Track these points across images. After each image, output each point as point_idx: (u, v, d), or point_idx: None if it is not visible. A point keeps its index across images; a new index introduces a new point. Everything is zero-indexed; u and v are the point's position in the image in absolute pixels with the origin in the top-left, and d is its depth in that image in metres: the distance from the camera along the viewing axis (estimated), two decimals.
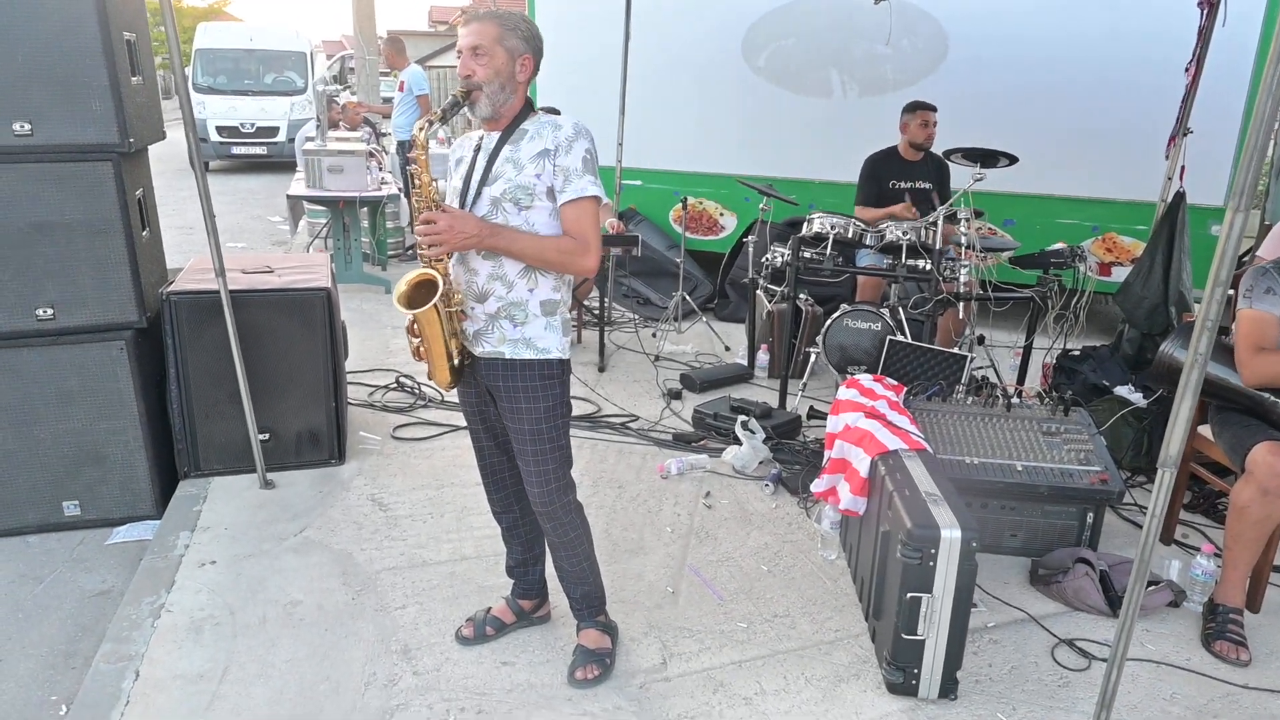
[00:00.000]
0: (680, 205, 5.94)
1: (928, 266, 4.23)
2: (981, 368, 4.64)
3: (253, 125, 14.15)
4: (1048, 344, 4.70)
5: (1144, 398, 3.90)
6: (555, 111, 2.36)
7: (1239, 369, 2.75)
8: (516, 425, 2.31)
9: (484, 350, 2.28)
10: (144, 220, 3.39)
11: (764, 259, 4.82)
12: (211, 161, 14.12)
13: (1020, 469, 3.13)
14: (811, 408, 4.48)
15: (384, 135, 9.57)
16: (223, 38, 15.43)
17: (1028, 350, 4.54)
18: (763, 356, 5.12)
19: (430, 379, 2.34)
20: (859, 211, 4.90)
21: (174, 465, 3.56)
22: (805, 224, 4.57)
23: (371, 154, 6.89)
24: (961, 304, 4.30)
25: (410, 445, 3.99)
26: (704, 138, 6.54)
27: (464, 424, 2.69)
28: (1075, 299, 4.39)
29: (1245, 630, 2.70)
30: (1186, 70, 4.65)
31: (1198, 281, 4.50)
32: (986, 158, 4.19)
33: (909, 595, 2.33)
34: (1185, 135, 4.73)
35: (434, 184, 2.16)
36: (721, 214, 6.69)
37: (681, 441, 4.11)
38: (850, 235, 4.47)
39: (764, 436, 3.89)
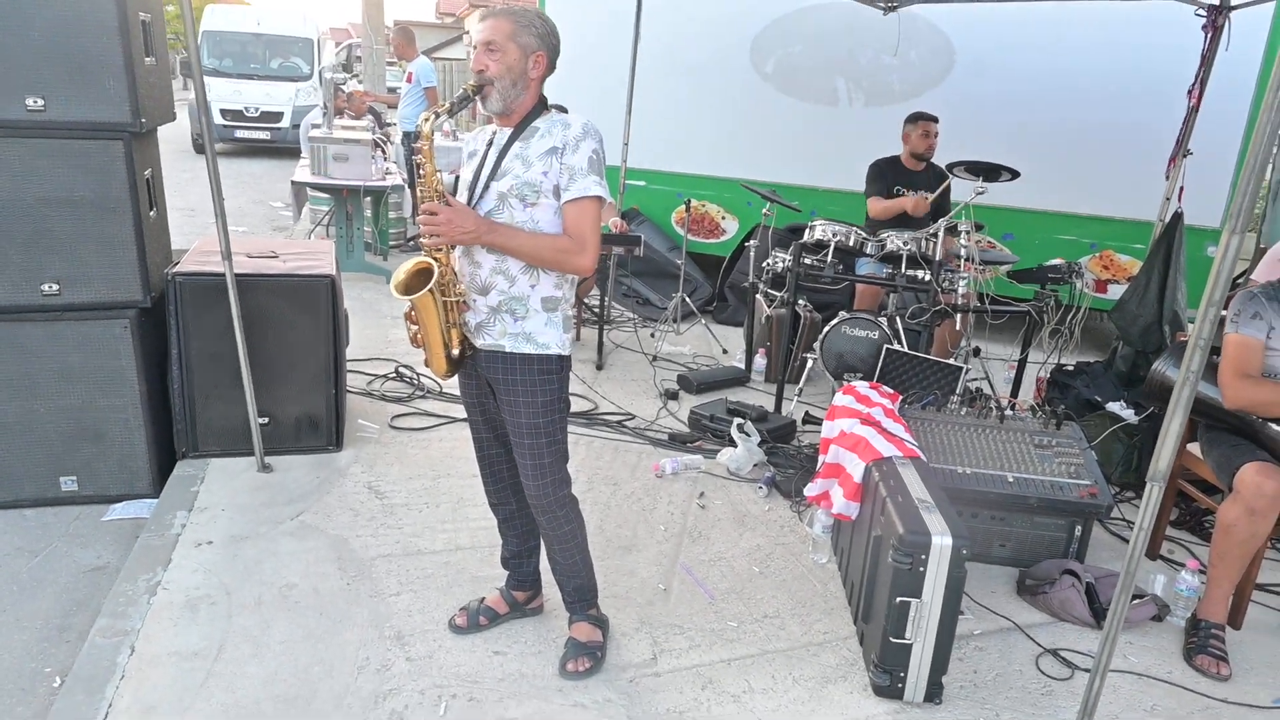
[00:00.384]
0: (683, 207, 5.97)
1: (927, 277, 4.27)
2: (976, 379, 4.69)
3: (257, 110, 14.14)
4: (1042, 358, 4.75)
5: (1135, 414, 3.96)
6: (563, 109, 2.38)
7: (1221, 391, 2.80)
8: (514, 419, 2.34)
9: (485, 342, 2.30)
10: (151, 200, 3.41)
11: (765, 264, 4.86)
12: (215, 144, 14.09)
13: (1011, 480, 3.17)
14: (807, 413, 4.52)
15: (388, 125, 9.58)
16: (230, 21, 15.41)
17: (1022, 364, 4.59)
18: (760, 360, 5.15)
19: (427, 366, 2.36)
20: (872, 204, 4.95)
21: (172, 445, 3.57)
22: (807, 230, 4.61)
23: (376, 144, 6.91)
24: (959, 315, 4.34)
25: (408, 435, 4.01)
26: (709, 141, 6.57)
27: (462, 416, 2.72)
28: (1071, 315, 4.44)
29: (1226, 646, 2.75)
30: (1189, 93, 4.71)
31: (1192, 301, 4.55)
32: (988, 172, 4.23)
33: (898, 599, 2.36)
34: (1185, 156, 4.79)
35: (438, 175, 2.19)
36: (724, 217, 6.72)
37: (677, 441, 4.15)
38: (851, 244, 4.51)
39: (759, 439, 3.93)
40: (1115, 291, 5.61)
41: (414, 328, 2.30)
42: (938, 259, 4.27)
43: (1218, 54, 4.56)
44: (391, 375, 4.68)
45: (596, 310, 5.76)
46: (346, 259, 6.51)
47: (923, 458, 2.87)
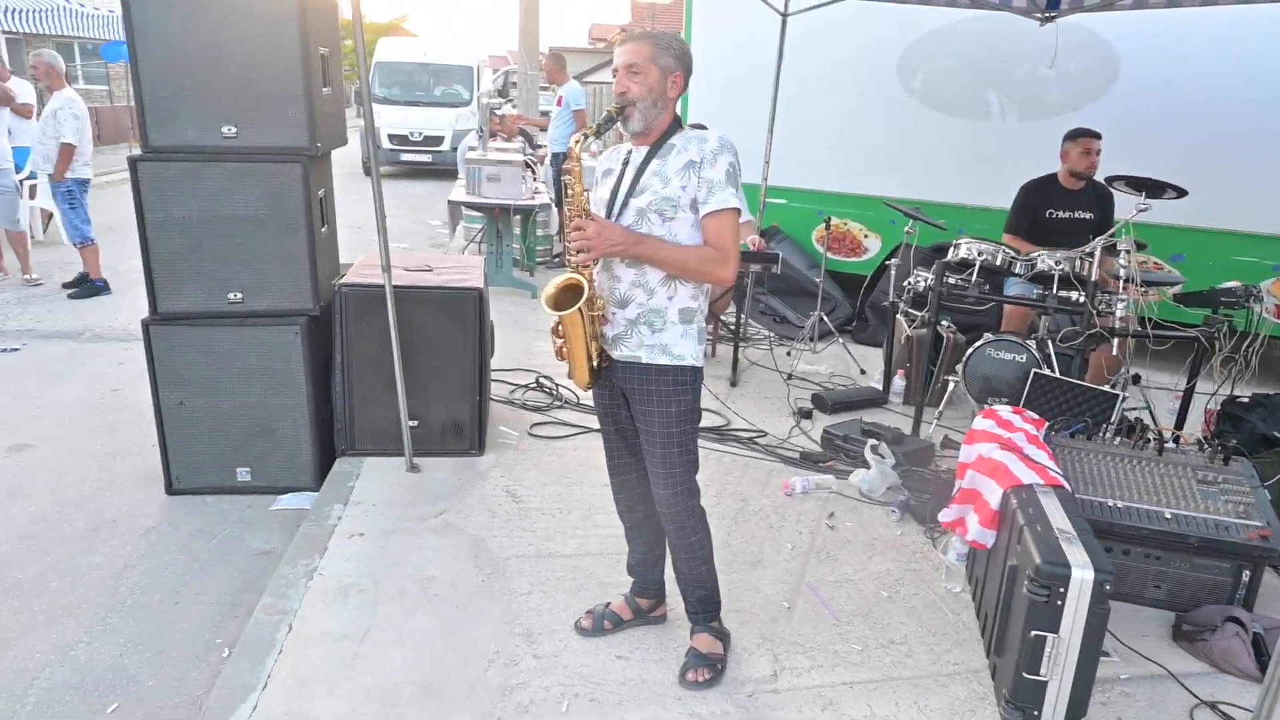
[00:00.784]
0: (823, 225, 5.92)
1: (1081, 299, 4.05)
2: (1135, 408, 4.39)
3: (420, 134, 15.07)
4: (1212, 388, 4.39)
5: None
6: (702, 128, 2.44)
7: None
8: (648, 427, 2.40)
9: (621, 353, 2.38)
10: (324, 218, 3.72)
11: (906, 283, 4.74)
12: (382, 167, 15.13)
13: (1169, 516, 2.96)
14: (946, 437, 4.37)
15: (539, 147, 9.98)
16: (400, 52, 16.58)
17: (1189, 393, 4.25)
18: (898, 382, 5.02)
19: (569, 378, 2.47)
20: (1006, 239, 4.74)
21: (333, 443, 3.87)
22: (951, 249, 4.47)
23: (527, 164, 7.22)
24: (1116, 340, 4.09)
25: (545, 443, 4.17)
26: (852, 158, 6.48)
27: (597, 426, 2.81)
28: (1247, 342, 4.08)
29: None
30: None
31: None
32: (1152, 188, 3.97)
33: (1033, 633, 2.26)
34: None
35: (585, 193, 2.29)
36: (866, 236, 6.60)
37: (809, 460, 4.11)
38: (999, 263, 4.33)
39: (893, 462, 3.84)
40: None
41: (559, 341, 2.40)
42: (1093, 279, 4.04)
43: None
44: (533, 385, 4.87)
45: (732, 327, 5.78)
46: (496, 274, 6.82)
47: (1067, 487, 2.73)
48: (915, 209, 5.11)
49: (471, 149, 7.48)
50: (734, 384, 5.14)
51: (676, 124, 2.34)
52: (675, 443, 2.39)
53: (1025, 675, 2.29)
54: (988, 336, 4.42)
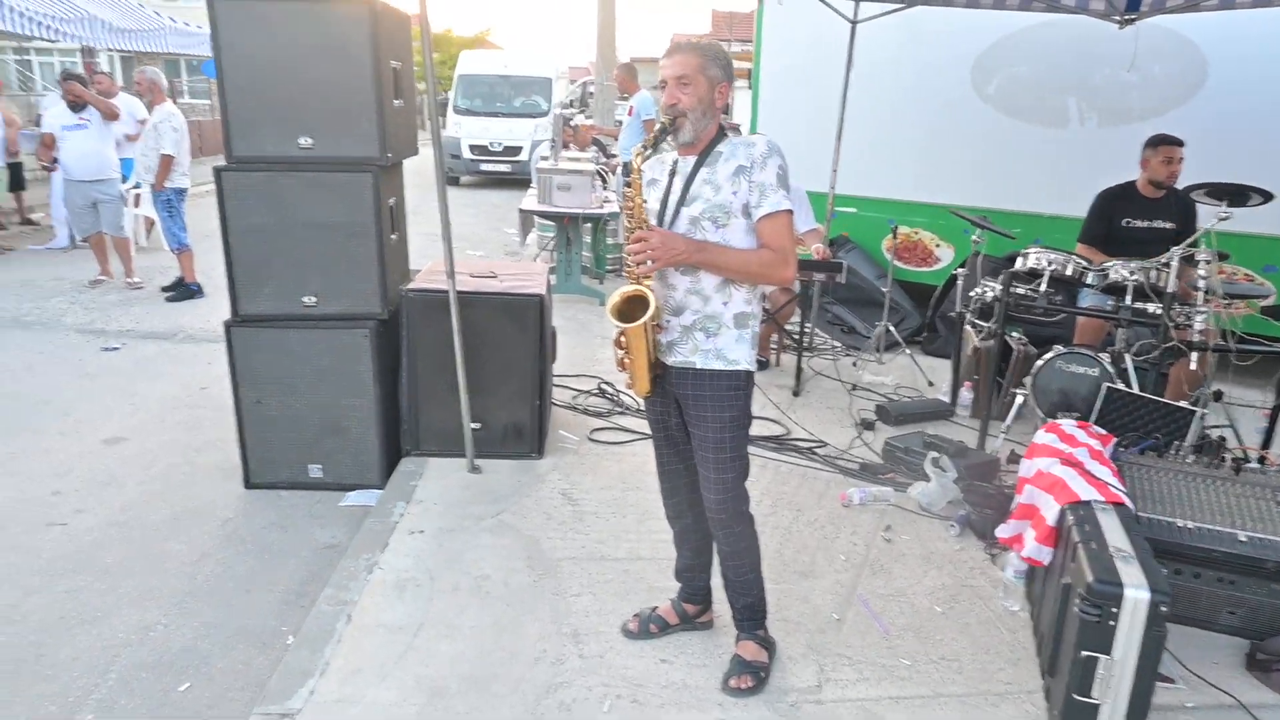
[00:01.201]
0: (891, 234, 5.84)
1: (1157, 310, 3.90)
2: (1218, 426, 4.19)
3: (500, 145, 15.41)
4: None
5: None
6: (736, 129, 2.46)
7: None
8: (701, 433, 2.42)
9: (676, 360, 2.41)
10: (393, 225, 3.87)
11: (973, 293, 4.64)
12: (463, 176, 15.55)
13: (1244, 539, 2.82)
14: (1013, 451, 4.24)
15: (612, 156, 10.10)
16: (482, 64, 17.00)
17: (1277, 411, 4.05)
18: (966, 394, 4.91)
19: (629, 388, 2.50)
20: (1080, 249, 4.59)
21: (399, 443, 4.00)
22: (1020, 258, 4.36)
23: (599, 173, 7.32)
24: (1195, 354, 3.92)
25: (604, 448, 4.22)
26: (924, 167, 6.37)
27: None
28: None
29: None
30: None
31: None
32: (1235, 195, 3.80)
33: (1084, 654, 2.20)
34: None
35: (645, 205, 2.33)
36: (938, 245, 6.49)
37: (868, 472, 4.06)
38: (1069, 273, 4.20)
39: (954, 475, 3.76)
40: None
41: (620, 352, 2.43)
42: (1170, 290, 3.88)
43: None
44: (594, 391, 4.94)
45: (796, 336, 5.74)
46: (565, 281, 6.93)
47: (1129, 505, 2.64)
48: (983, 217, 5.00)
49: (544, 158, 7.63)
50: (796, 394, 5.11)
51: (721, 132, 2.36)
52: (728, 448, 2.41)
53: (1075, 696, 2.22)
54: (1058, 349, 4.29)
